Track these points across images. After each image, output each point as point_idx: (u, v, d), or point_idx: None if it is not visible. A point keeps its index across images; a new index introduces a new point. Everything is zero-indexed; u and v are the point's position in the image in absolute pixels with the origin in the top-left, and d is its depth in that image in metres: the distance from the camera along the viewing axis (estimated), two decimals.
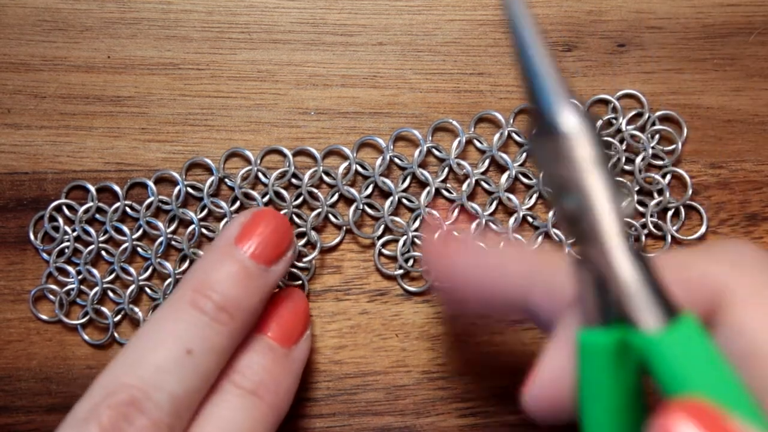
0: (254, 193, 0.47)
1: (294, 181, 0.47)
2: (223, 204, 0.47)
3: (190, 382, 0.37)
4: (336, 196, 0.47)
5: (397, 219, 0.47)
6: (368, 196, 0.48)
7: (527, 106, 0.37)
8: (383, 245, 0.48)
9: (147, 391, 0.36)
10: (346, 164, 0.47)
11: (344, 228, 0.48)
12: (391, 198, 0.47)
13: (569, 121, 0.28)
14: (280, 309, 0.43)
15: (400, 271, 0.47)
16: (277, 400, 0.40)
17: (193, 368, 0.37)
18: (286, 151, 0.47)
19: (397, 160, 0.48)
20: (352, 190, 0.47)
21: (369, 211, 0.47)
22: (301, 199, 0.47)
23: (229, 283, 0.39)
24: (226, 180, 0.47)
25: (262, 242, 0.41)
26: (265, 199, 0.47)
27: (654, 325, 0.25)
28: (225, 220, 0.47)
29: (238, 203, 0.47)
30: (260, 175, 0.47)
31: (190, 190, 0.47)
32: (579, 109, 0.29)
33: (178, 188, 0.47)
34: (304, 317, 0.43)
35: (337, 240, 0.47)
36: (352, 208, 0.47)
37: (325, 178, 0.48)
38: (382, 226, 0.47)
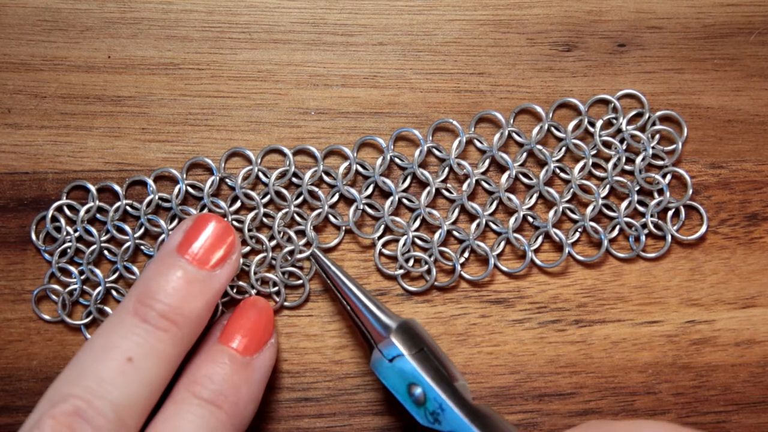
0: (253, 194, 0.47)
1: (294, 180, 0.47)
2: (222, 204, 0.47)
3: (133, 390, 0.38)
4: (336, 197, 0.47)
5: (397, 219, 0.47)
6: (368, 197, 0.48)
7: (363, 334, 0.44)
8: (383, 245, 0.48)
9: (90, 400, 0.37)
10: (346, 164, 0.47)
11: (344, 228, 0.48)
12: (391, 198, 0.47)
13: (394, 326, 0.42)
14: (242, 318, 0.43)
15: (401, 271, 0.47)
16: (237, 409, 0.40)
17: (135, 376, 0.38)
18: (286, 150, 0.47)
19: (397, 160, 0.48)
20: (353, 191, 0.47)
21: (369, 211, 0.47)
22: (301, 198, 0.47)
23: (171, 291, 0.40)
24: (227, 180, 0.47)
25: (204, 247, 0.41)
26: (265, 199, 0.47)
27: None
28: (226, 219, 0.47)
29: (238, 203, 0.47)
30: (261, 174, 0.47)
31: (190, 189, 0.47)
32: (394, 318, 0.43)
33: (178, 187, 0.47)
34: (266, 325, 0.44)
35: (337, 241, 0.47)
36: (352, 208, 0.47)
37: (325, 178, 0.48)
38: (383, 226, 0.47)
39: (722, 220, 0.48)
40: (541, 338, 0.47)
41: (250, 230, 0.47)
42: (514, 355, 0.47)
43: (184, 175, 0.47)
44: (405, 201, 0.48)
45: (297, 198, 0.47)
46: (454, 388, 0.40)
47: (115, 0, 0.48)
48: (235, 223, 0.47)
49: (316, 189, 0.47)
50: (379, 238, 0.47)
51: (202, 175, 0.48)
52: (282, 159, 0.48)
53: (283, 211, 0.47)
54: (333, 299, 0.47)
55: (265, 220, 0.47)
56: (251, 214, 0.47)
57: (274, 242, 0.47)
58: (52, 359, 0.47)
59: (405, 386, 0.41)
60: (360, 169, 0.48)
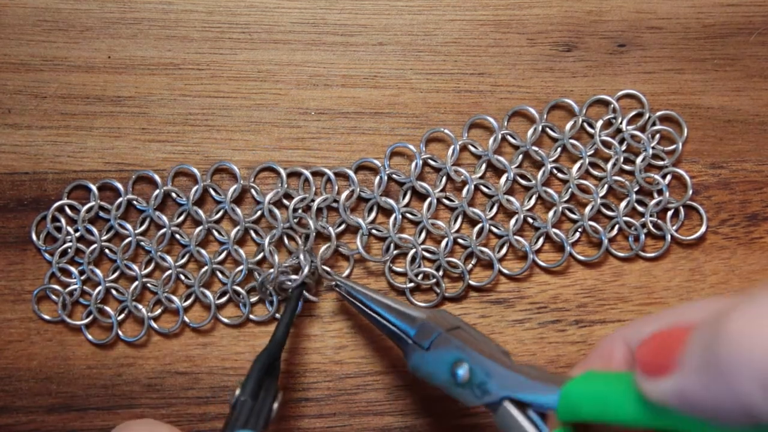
0: (276, 211, 0.46)
1: (285, 202, 0.47)
2: (238, 211, 0.47)
3: None
4: (342, 226, 0.47)
5: (404, 236, 0.47)
6: (372, 221, 0.47)
7: (394, 340, 0.42)
8: (391, 261, 0.47)
9: None
10: (348, 191, 0.47)
11: (353, 257, 0.47)
12: (394, 215, 0.47)
13: (425, 315, 0.40)
14: None
15: (410, 285, 0.47)
16: None
17: None
18: (305, 172, 0.47)
19: (395, 176, 0.47)
20: (358, 219, 0.47)
21: (375, 232, 0.47)
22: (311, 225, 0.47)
23: None
24: (252, 191, 0.47)
25: None
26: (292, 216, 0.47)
27: (552, 389, 0.34)
28: (238, 228, 0.47)
29: (257, 214, 0.47)
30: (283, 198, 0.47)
31: (212, 192, 0.47)
32: (423, 310, 0.41)
33: (196, 187, 0.47)
34: None
35: (347, 272, 0.47)
36: (359, 236, 0.47)
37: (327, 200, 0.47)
38: (391, 245, 0.47)
39: (722, 220, 0.48)
40: (542, 338, 0.47)
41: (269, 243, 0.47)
42: (514, 355, 0.47)
43: (209, 179, 0.47)
44: (409, 215, 0.47)
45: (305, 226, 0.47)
46: (496, 354, 0.38)
47: (115, 0, 0.48)
48: (253, 233, 0.47)
49: (326, 225, 0.47)
50: (388, 252, 0.47)
51: (218, 180, 0.48)
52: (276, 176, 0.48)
53: (305, 235, 0.47)
54: (357, 319, 0.47)
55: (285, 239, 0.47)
56: (273, 232, 0.47)
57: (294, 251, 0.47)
58: (52, 359, 0.47)
59: (448, 370, 0.38)
60: (360, 193, 0.47)
